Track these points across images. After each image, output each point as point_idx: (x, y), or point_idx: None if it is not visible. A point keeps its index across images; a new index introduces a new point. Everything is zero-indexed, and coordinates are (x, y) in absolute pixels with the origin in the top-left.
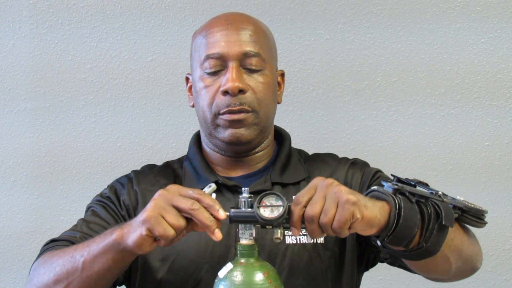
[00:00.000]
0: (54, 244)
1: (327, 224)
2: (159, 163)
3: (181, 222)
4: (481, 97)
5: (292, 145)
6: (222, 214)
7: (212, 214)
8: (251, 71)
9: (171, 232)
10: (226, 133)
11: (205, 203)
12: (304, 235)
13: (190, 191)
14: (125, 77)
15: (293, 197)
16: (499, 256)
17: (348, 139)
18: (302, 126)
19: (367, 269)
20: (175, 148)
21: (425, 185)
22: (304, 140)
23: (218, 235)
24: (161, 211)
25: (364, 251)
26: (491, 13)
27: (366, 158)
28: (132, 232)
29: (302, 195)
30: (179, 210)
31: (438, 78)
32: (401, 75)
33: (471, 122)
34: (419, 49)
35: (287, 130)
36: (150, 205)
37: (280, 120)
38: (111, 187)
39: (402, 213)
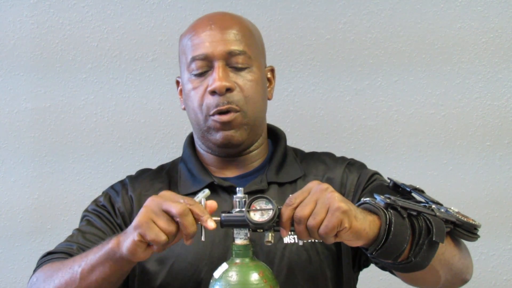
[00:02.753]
0: (51, 257)
1: (314, 228)
2: (160, 163)
3: (172, 227)
4: (482, 96)
5: (293, 145)
6: (210, 225)
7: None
8: (237, 69)
9: (162, 237)
10: (217, 136)
11: (194, 213)
12: (292, 236)
13: (181, 200)
14: (126, 76)
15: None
16: (499, 256)
17: (348, 139)
18: (302, 126)
19: (360, 269)
20: (176, 148)
21: (421, 191)
22: (305, 140)
23: (188, 243)
24: (152, 216)
25: (357, 252)
26: (492, 13)
27: (367, 158)
28: (126, 239)
29: (295, 197)
30: (170, 215)
31: (439, 78)
32: (402, 75)
33: (472, 122)
34: (420, 49)
35: (288, 130)
36: (142, 211)
37: (281, 120)
38: (106, 194)
39: (392, 228)
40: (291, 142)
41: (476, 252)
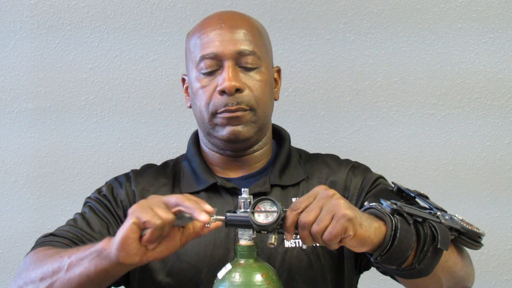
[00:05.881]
0: (52, 239)
1: (318, 234)
2: (160, 163)
3: (169, 215)
4: (482, 97)
5: (294, 145)
6: (208, 207)
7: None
8: (247, 69)
9: (158, 220)
10: (224, 131)
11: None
12: (297, 239)
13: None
14: (126, 77)
15: (293, 199)
16: (500, 256)
17: (349, 139)
18: (303, 126)
19: (360, 272)
20: (176, 148)
21: (425, 197)
22: (305, 140)
23: (203, 217)
24: (150, 204)
25: (359, 255)
26: (492, 13)
27: (367, 159)
28: (121, 229)
29: (300, 202)
30: (168, 206)
31: (439, 78)
32: (402, 75)
33: (472, 122)
34: (420, 49)
35: (288, 130)
36: (137, 203)
37: (281, 120)
38: (108, 185)
39: (398, 234)
40: (292, 142)
41: (476, 252)
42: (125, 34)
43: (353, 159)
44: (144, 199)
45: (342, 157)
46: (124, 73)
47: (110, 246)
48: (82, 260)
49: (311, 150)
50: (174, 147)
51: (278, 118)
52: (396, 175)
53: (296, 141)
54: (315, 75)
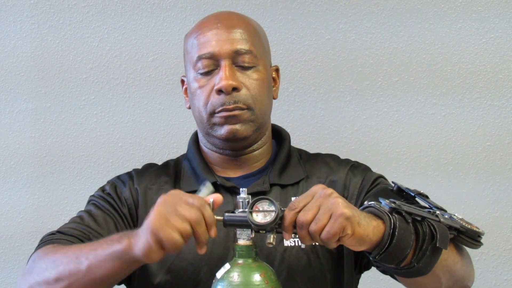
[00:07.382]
0: (60, 237)
1: (316, 233)
2: (160, 163)
3: (187, 228)
4: (482, 97)
5: (294, 145)
6: (211, 234)
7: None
8: (244, 68)
9: (177, 237)
10: (222, 130)
11: (205, 216)
12: (296, 239)
13: (190, 200)
14: (126, 77)
15: (292, 198)
16: (500, 256)
17: (349, 139)
18: (303, 126)
19: (361, 272)
20: (176, 148)
21: (425, 197)
22: (305, 140)
23: (203, 251)
24: (167, 216)
25: (359, 255)
26: (492, 13)
27: (367, 158)
28: (139, 241)
29: (298, 201)
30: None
31: (439, 78)
32: (402, 75)
33: (472, 122)
34: (420, 49)
35: (288, 130)
36: (154, 212)
37: (281, 120)
38: (112, 184)
39: (396, 233)
40: (292, 142)
41: (477, 252)
42: (125, 34)
43: (353, 159)
44: (157, 204)
45: (342, 157)
46: (124, 73)
47: (133, 250)
48: (103, 262)
49: (311, 150)
50: (174, 147)
51: (278, 118)
52: (396, 175)
53: (296, 141)
54: (315, 75)
